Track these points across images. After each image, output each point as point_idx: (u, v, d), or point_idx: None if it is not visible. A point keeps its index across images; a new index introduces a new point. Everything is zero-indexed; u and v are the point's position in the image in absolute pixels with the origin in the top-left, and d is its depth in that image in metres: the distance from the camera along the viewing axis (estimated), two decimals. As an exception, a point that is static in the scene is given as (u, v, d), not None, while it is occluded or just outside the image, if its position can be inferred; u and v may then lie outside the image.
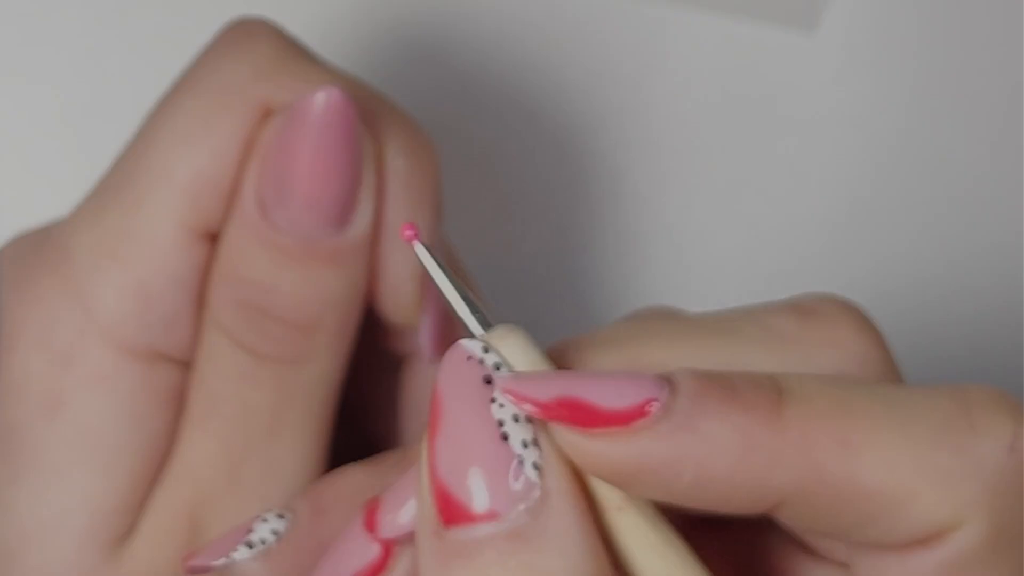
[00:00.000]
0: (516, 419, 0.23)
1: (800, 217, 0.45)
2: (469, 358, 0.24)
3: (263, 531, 0.27)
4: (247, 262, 0.28)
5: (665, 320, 0.27)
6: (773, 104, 0.45)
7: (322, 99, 0.27)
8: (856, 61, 0.45)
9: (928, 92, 0.45)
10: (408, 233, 0.25)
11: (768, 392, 0.24)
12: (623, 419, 0.23)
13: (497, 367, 0.24)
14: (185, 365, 0.29)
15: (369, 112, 0.29)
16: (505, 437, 0.23)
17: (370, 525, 0.25)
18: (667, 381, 0.23)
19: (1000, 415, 0.24)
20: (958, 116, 0.45)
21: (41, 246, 0.30)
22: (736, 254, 0.45)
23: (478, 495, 0.23)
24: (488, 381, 0.24)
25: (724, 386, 0.24)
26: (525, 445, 0.23)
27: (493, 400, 0.23)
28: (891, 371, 0.27)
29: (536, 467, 0.23)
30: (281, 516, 0.27)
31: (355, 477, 0.27)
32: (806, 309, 0.27)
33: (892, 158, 0.45)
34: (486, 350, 0.24)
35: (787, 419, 0.23)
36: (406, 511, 0.25)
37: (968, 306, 0.46)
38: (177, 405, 0.29)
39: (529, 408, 0.23)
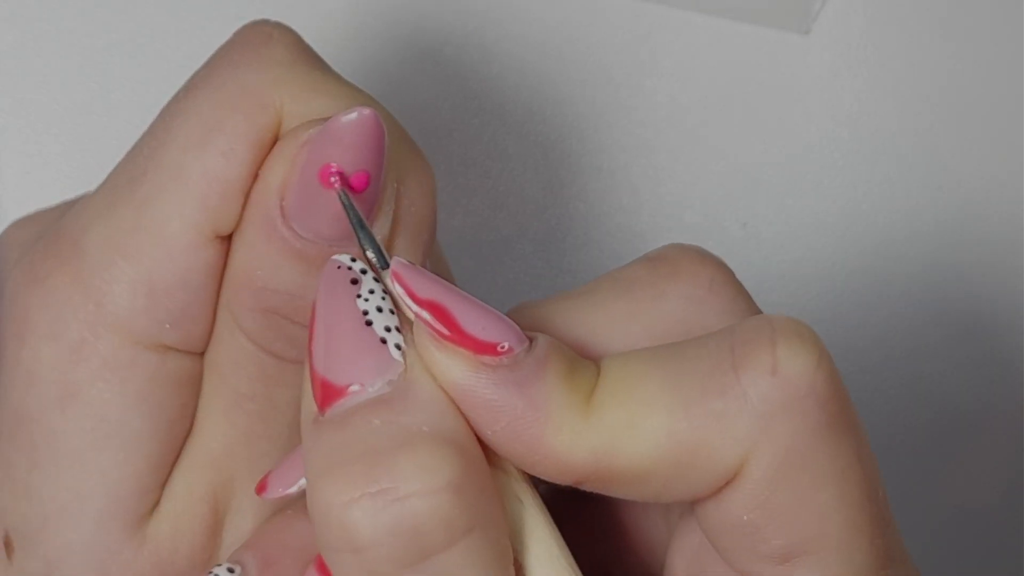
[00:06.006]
0: (380, 310, 0.26)
1: (795, 215, 0.45)
2: (339, 267, 0.27)
3: None
4: (271, 271, 0.28)
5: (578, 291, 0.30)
6: (768, 104, 0.45)
7: (356, 119, 0.27)
8: (849, 62, 0.45)
9: (921, 91, 0.45)
10: (332, 180, 0.27)
11: (590, 376, 0.26)
12: (474, 346, 0.26)
13: (363, 271, 0.27)
14: (197, 355, 0.30)
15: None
16: (369, 323, 0.26)
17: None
18: (528, 339, 0.26)
19: (759, 344, 0.26)
20: (950, 115, 0.45)
21: (53, 239, 0.30)
22: (732, 252, 0.45)
23: (346, 373, 0.26)
24: (354, 281, 0.26)
25: (563, 361, 0.26)
26: (388, 330, 0.26)
27: (359, 295, 0.26)
28: (738, 291, 0.29)
29: (398, 347, 0.26)
30: (231, 570, 0.28)
31: (299, 526, 0.29)
32: (652, 256, 0.29)
33: (887, 157, 0.45)
34: (353, 260, 0.27)
35: (592, 405, 0.26)
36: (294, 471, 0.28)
37: (967, 305, 0.46)
38: (192, 389, 0.30)
39: (400, 292, 0.26)
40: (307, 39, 0.31)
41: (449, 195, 0.44)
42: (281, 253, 0.28)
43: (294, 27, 0.30)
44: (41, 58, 0.43)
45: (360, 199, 0.28)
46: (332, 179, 0.27)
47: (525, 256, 0.45)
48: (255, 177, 0.28)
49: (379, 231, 0.28)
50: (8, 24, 0.43)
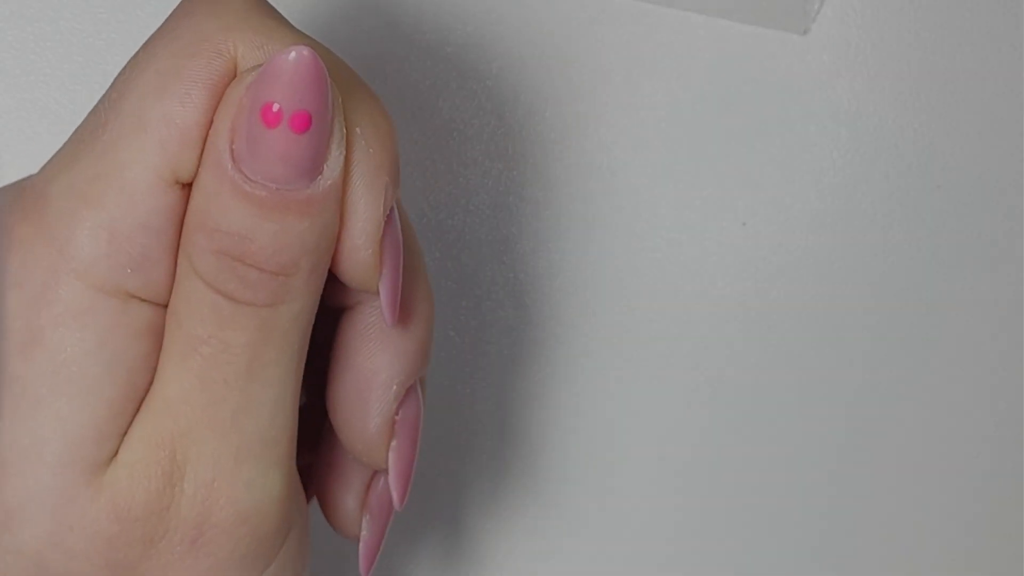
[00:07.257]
0: None
1: (795, 214, 0.45)
2: None
3: None
4: (222, 213, 0.29)
5: None
6: (768, 104, 0.45)
7: (293, 57, 0.28)
8: (848, 62, 0.45)
9: (921, 91, 0.45)
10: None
11: None
12: None
13: None
14: (161, 307, 0.30)
15: (336, 78, 0.30)
16: None
17: None
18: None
19: None
20: (950, 115, 0.45)
21: (19, 192, 0.30)
22: (730, 251, 0.45)
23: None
24: None
25: None
26: None
27: None
28: None
29: None
30: None
31: None
32: None
33: (887, 157, 0.45)
34: None
35: None
36: None
37: (966, 305, 0.46)
38: (154, 338, 0.30)
39: None
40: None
41: (449, 195, 0.44)
42: (231, 195, 0.28)
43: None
44: (41, 58, 0.43)
45: (304, 140, 0.28)
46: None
47: (525, 256, 0.45)
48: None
49: (329, 174, 0.29)
50: (8, 24, 0.43)
